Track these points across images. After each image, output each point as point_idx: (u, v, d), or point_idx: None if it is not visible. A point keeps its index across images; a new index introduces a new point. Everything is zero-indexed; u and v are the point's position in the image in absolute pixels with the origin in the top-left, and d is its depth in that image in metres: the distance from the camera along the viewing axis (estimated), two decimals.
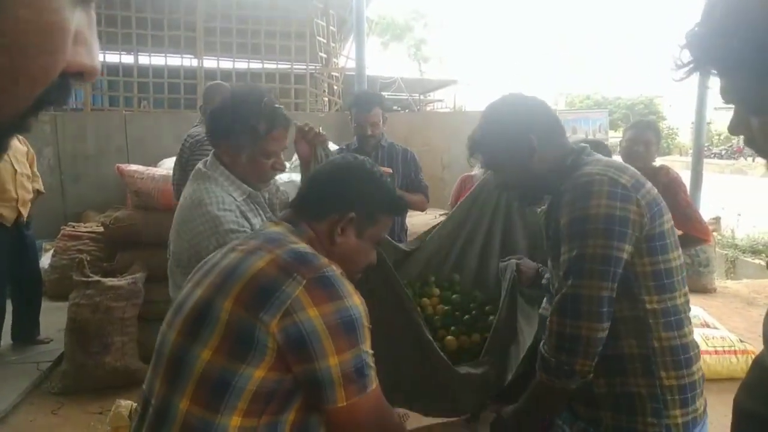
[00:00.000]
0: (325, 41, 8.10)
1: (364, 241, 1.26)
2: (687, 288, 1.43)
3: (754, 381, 1.02)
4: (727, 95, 0.78)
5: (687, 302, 1.41)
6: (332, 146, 5.16)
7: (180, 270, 1.74)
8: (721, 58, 0.75)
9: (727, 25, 0.72)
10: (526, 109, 1.53)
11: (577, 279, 1.31)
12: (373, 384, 1.07)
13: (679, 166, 4.02)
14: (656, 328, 1.34)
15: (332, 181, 1.27)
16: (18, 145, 4.10)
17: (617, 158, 2.67)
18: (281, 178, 4.27)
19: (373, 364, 1.08)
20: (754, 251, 7.82)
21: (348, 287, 1.07)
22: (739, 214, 8.77)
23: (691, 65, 0.79)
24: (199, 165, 1.85)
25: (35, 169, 4.29)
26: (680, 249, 1.42)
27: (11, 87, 0.38)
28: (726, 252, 7.74)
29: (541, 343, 1.40)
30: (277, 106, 1.78)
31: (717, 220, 7.46)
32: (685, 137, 26.20)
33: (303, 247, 1.13)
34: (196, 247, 1.68)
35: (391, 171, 2.87)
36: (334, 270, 1.08)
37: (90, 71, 0.43)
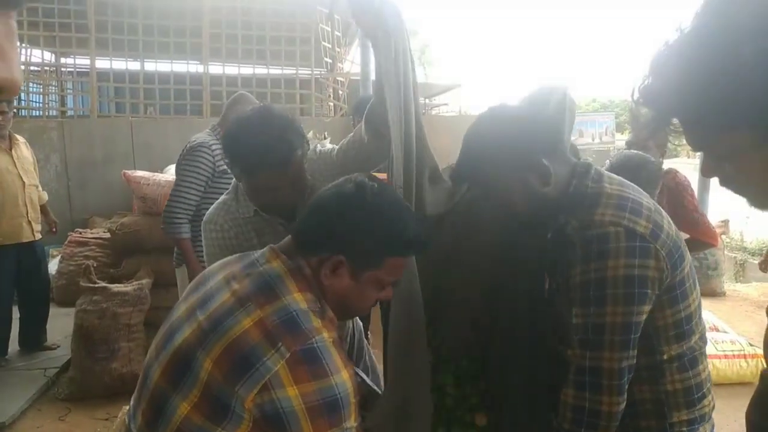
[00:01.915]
0: (330, 46, 8.11)
1: (363, 285, 1.13)
2: (703, 322, 1.34)
3: (762, 395, 1.01)
4: (696, 145, 0.78)
5: (703, 336, 1.32)
6: None
7: None
8: (680, 113, 0.75)
9: (681, 82, 0.71)
10: (528, 126, 1.31)
11: (595, 352, 1.20)
12: None
13: (688, 169, 3.98)
14: (670, 372, 1.26)
15: (324, 215, 1.13)
16: (25, 155, 4.06)
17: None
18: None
19: None
20: (763, 254, 7.75)
21: (336, 361, 0.99)
22: (748, 217, 8.71)
23: (655, 122, 0.78)
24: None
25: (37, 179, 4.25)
26: (697, 285, 1.31)
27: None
28: (735, 255, 7.69)
29: (556, 418, 1.29)
30: (288, 138, 1.58)
31: (725, 222, 7.40)
32: None
33: (296, 302, 1.03)
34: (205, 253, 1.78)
35: (386, 176, 2.82)
36: (325, 339, 0.99)
37: (7, 85, 0.39)
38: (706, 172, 0.81)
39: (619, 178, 1.33)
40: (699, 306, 1.30)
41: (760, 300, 5.68)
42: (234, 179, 1.76)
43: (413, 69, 1.43)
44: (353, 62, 8.92)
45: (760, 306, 5.48)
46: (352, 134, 1.82)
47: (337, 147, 1.84)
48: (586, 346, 1.22)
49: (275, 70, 7.95)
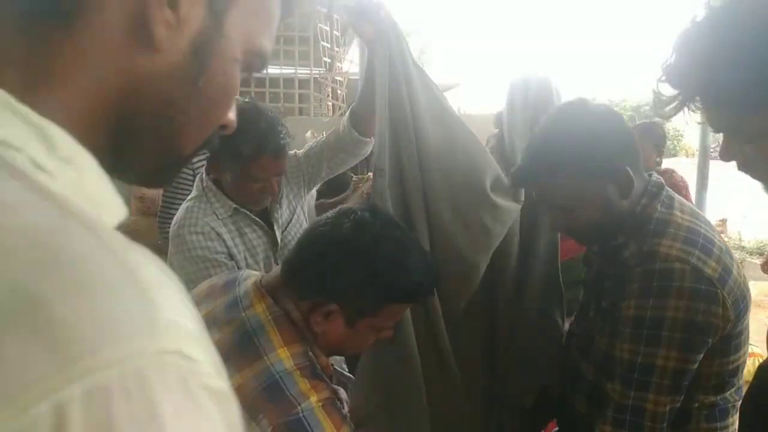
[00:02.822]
0: (328, 46, 8.11)
1: (358, 331, 1.02)
2: (743, 376, 1.23)
3: (755, 389, 1.00)
4: (716, 126, 0.76)
5: (739, 390, 1.22)
6: None
7: None
8: (707, 92, 0.72)
9: (711, 59, 0.69)
10: (616, 128, 1.16)
11: (641, 392, 1.11)
12: None
13: (686, 168, 3.98)
14: (697, 420, 1.19)
15: (318, 259, 1.00)
16: None
17: None
18: None
19: None
20: (762, 253, 7.76)
21: (326, 428, 0.87)
22: (745, 217, 8.72)
23: (678, 100, 0.76)
24: (198, 179, 1.80)
25: None
26: (748, 338, 1.21)
27: (198, 133, 0.48)
28: (733, 254, 7.69)
29: None
30: (279, 129, 1.62)
31: (723, 222, 7.42)
32: (689, 138, 26.12)
33: (280, 361, 0.91)
34: (176, 268, 1.62)
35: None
36: (312, 406, 0.88)
37: (231, 124, 0.53)
38: (724, 155, 0.79)
39: (691, 206, 1.21)
40: (745, 360, 1.21)
41: (758, 299, 5.68)
42: (197, 184, 1.74)
43: (415, 64, 1.39)
44: (352, 62, 8.92)
45: (759, 305, 5.48)
46: (324, 138, 1.90)
47: (302, 151, 1.91)
48: (630, 384, 1.12)
49: (274, 70, 7.94)
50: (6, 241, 0.30)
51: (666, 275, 1.08)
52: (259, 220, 1.75)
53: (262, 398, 0.87)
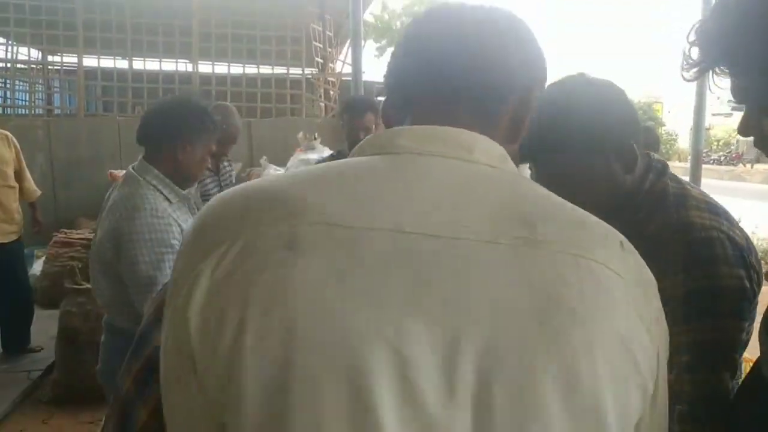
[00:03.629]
0: (321, 46, 8.08)
1: None
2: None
3: (748, 382, 0.97)
4: (739, 95, 0.75)
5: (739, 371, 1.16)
6: (326, 151, 5.15)
7: (99, 267, 1.87)
8: (733, 57, 0.71)
9: (740, 24, 0.68)
10: (620, 103, 1.13)
11: (712, 373, 1.03)
12: None
13: (678, 172, 4.00)
14: None
15: None
16: (2, 152, 3.90)
17: None
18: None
19: None
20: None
21: None
22: (740, 219, 8.76)
23: (703, 64, 0.75)
24: (130, 169, 1.95)
25: (26, 175, 4.12)
26: None
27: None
28: None
29: None
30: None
31: None
32: (684, 143, 26.30)
33: None
34: (128, 252, 1.77)
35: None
36: None
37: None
38: (742, 129, 0.76)
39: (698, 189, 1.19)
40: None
41: None
42: (132, 175, 1.91)
43: None
44: (345, 62, 8.89)
45: None
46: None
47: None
48: (698, 368, 1.02)
49: (266, 70, 7.90)
50: None
51: (710, 243, 1.03)
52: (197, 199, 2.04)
53: None
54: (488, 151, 0.59)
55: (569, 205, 0.59)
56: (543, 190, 0.60)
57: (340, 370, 0.46)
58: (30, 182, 4.16)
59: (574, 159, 1.10)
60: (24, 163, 4.12)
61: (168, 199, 1.89)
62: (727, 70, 0.74)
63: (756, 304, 1.07)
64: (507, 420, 0.46)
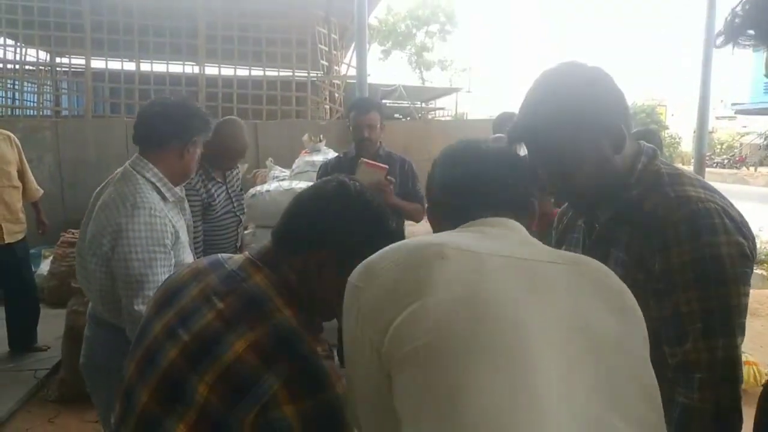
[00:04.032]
0: (326, 49, 8.12)
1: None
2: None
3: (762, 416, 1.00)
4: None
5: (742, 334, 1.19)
6: (331, 153, 5.18)
7: (95, 260, 1.85)
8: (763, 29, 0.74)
9: None
10: (608, 86, 1.16)
11: (727, 338, 1.05)
12: None
13: None
14: None
15: (311, 213, 1.13)
16: (6, 152, 3.91)
17: None
18: (282, 185, 4.27)
19: None
20: (757, 261, 7.80)
21: (331, 376, 0.99)
22: None
23: (737, 27, 0.78)
24: (127, 165, 1.98)
25: (29, 175, 4.13)
26: None
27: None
28: None
29: None
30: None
31: None
32: (687, 146, 26.22)
33: (286, 320, 1.02)
34: (123, 249, 1.78)
35: (387, 167, 2.92)
36: (318, 356, 0.99)
37: None
38: None
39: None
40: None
41: (753, 307, 5.69)
42: (131, 173, 1.94)
43: None
44: (350, 65, 8.93)
45: (753, 313, 5.49)
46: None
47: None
48: (714, 334, 1.05)
49: (271, 72, 7.94)
50: None
51: (708, 214, 1.08)
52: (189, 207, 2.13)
53: (275, 350, 0.97)
54: (520, 227, 1.01)
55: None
56: None
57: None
58: (32, 182, 4.16)
59: (564, 141, 1.13)
60: (26, 164, 4.13)
61: (164, 198, 1.92)
62: (756, 42, 0.77)
63: (753, 271, 1.12)
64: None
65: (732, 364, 1.06)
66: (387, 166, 2.93)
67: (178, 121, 1.95)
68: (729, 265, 1.05)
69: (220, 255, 1.20)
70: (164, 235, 1.83)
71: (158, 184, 1.92)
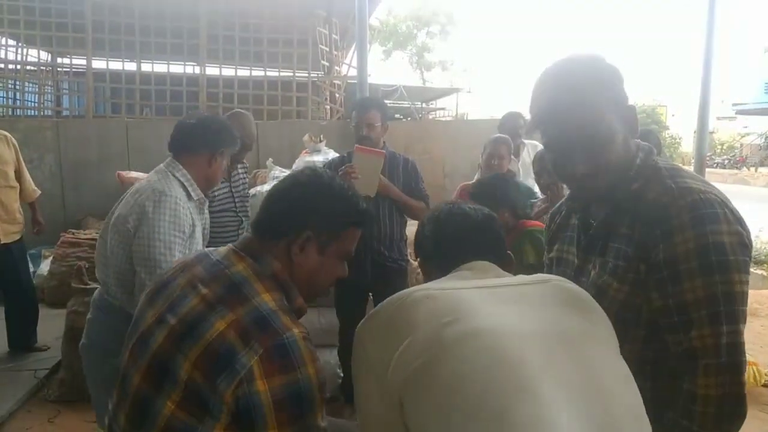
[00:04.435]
0: (327, 49, 8.11)
1: (328, 258, 1.24)
2: None
3: None
4: None
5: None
6: (332, 154, 5.17)
7: (118, 238, 2.04)
8: None
9: None
10: (621, 75, 1.22)
11: (731, 325, 1.07)
12: None
13: None
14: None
15: (288, 199, 1.23)
16: (2, 152, 3.91)
17: None
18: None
19: None
20: (757, 261, 7.78)
21: (305, 355, 1.05)
22: None
23: None
24: (161, 165, 2.21)
25: (26, 175, 4.13)
26: None
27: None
28: None
29: (683, 419, 1.11)
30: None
31: None
32: (688, 146, 26.20)
33: (265, 303, 1.10)
34: (147, 228, 1.98)
35: (384, 152, 2.98)
36: (295, 335, 1.05)
37: None
38: None
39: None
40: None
41: (753, 307, 5.69)
42: (168, 171, 2.17)
43: None
44: (350, 66, 8.93)
45: (753, 313, 5.49)
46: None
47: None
48: (719, 320, 1.07)
49: (272, 73, 7.94)
50: None
51: (709, 204, 1.11)
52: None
53: (253, 328, 1.04)
54: (497, 268, 1.19)
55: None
56: None
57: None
58: (29, 183, 4.16)
59: (599, 115, 1.16)
60: (23, 164, 4.13)
61: (189, 196, 2.14)
62: None
63: (751, 260, 1.15)
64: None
65: (736, 350, 1.07)
66: (383, 151, 2.97)
67: (210, 133, 2.20)
68: (731, 253, 1.08)
69: (207, 249, 1.29)
70: (185, 222, 2.04)
71: (185, 183, 2.14)
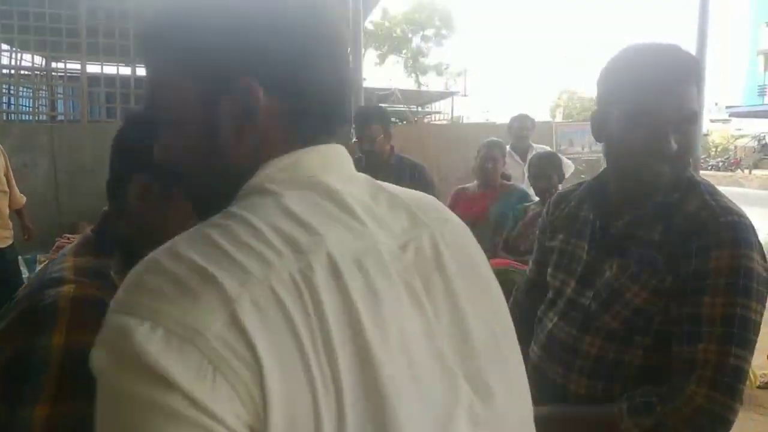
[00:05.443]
0: None
1: (176, 204, 1.04)
2: None
3: None
4: None
5: None
6: None
7: None
8: None
9: None
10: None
11: (741, 350, 1.05)
12: None
13: None
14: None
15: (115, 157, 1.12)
16: None
17: None
18: None
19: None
20: None
21: (60, 320, 0.85)
22: None
23: None
24: None
25: (13, 182, 4.12)
26: None
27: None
28: None
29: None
30: None
31: None
32: None
33: (60, 269, 0.98)
34: None
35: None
36: (60, 299, 0.88)
37: None
38: None
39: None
40: None
41: None
42: None
43: None
44: (350, 66, 8.93)
45: None
46: None
47: None
48: (730, 341, 1.05)
49: None
50: None
51: (747, 229, 1.11)
52: None
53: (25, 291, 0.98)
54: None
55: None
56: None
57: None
58: (15, 189, 4.18)
59: (694, 92, 1.16)
60: (11, 171, 4.14)
61: None
62: None
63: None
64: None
65: (739, 375, 1.04)
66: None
67: None
68: (757, 282, 1.07)
69: None
70: None
71: None
